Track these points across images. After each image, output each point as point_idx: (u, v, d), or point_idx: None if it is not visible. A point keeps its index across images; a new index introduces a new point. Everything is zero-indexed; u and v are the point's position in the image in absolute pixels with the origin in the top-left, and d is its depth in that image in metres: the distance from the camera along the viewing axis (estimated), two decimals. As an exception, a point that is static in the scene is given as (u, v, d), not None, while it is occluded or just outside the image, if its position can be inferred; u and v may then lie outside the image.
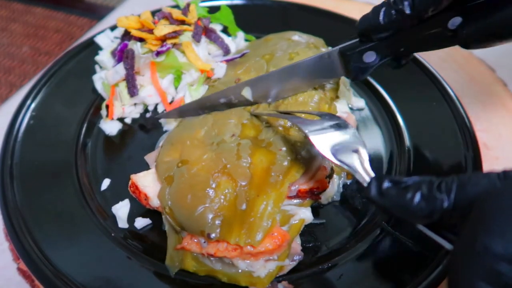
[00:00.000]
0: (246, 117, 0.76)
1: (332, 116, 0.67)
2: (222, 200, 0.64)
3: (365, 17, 0.65)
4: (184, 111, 0.83)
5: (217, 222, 0.62)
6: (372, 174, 0.56)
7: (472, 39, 0.62)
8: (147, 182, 0.70)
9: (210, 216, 0.63)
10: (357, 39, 0.69)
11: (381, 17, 0.62)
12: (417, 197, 0.46)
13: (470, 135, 0.81)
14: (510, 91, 0.99)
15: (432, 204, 0.45)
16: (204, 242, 0.64)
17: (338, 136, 0.61)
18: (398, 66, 0.74)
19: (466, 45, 0.64)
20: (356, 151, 0.59)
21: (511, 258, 0.35)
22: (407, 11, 0.60)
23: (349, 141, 0.61)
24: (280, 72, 0.78)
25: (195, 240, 0.64)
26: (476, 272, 0.37)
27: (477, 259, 0.37)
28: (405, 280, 0.64)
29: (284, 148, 0.70)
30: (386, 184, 0.49)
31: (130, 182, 0.71)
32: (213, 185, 0.65)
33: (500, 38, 0.61)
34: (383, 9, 0.62)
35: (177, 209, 0.65)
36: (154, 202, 0.68)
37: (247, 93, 0.79)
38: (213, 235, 0.62)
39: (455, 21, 0.62)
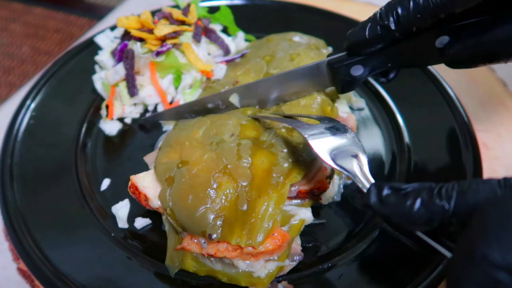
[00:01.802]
0: (245, 118, 0.76)
1: (331, 120, 0.67)
2: (223, 201, 0.64)
3: (352, 32, 0.65)
4: (173, 114, 0.84)
5: (218, 222, 0.62)
6: (372, 180, 0.56)
7: (458, 58, 0.62)
8: (146, 183, 0.70)
9: (211, 216, 0.63)
10: (346, 52, 0.69)
11: (367, 32, 0.62)
12: (417, 204, 0.46)
13: (470, 135, 0.81)
14: (510, 91, 0.99)
15: (431, 210, 0.45)
16: (204, 242, 0.64)
17: (337, 141, 0.62)
18: (386, 81, 0.74)
19: (453, 64, 0.64)
20: (355, 156, 0.59)
21: (510, 267, 0.35)
22: (392, 27, 0.60)
23: (348, 146, 0.61)
24: (268, 80, 0.78)
25: (195, 241, 0.64)
26: (474, 281, 0.37)
27: (475, 268, 0.37)
28: (405, 280, 0.64)
29: (285, 150, 0.70)
30: (386, 191, 0.49)
31: (129, 183, 0.70)
32: (214, 186, 0.65)
33: (486, 60, 0.61)
34: (369, 25, 0.62)
35: (178, 210, 0.65)
36: (154, 203, 0.68)
37: (234, 99, 0.79)
38: (214, 235, 0.62)
39: (443, 40, 0.62)
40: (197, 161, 0.68)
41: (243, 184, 0.65)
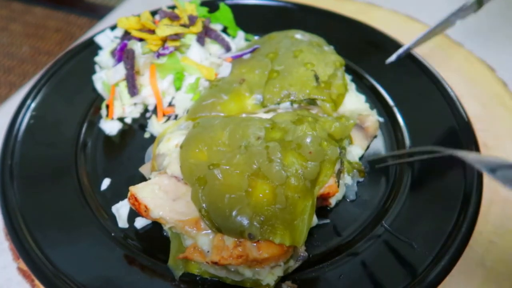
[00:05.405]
0: (267, 121, 0.75)
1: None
2: (259, 201, 0.63)
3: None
4: None
5: (256, 222, 0.62)
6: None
7: None
8: (146, 194, 0.68)
9: (250, 216, 0.62)
10: None
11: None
12: None
13: (470, 135, 0.81)
14: (510, 91, 0.99)
15: None
16: (208, 251, 0.63)
17: None
18: None
19: None
20: None
21: None
22: None
23: None
24: None
25: (199, 249, 0.64)
26: None
27: None
28: (405, 280, 0.64)
29: (312, 150, 0.69)
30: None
31: (129, 194, 0.69)
32: (250, 186, 0.64)
33: None
34: None
35: (214, 211, 0.63)
36: (155, 213, 0.67)
37: None
38: (254, 235, 0.61)
39: None
40: (229, 164, 0.67)
41: (278, 184, 0.65)
